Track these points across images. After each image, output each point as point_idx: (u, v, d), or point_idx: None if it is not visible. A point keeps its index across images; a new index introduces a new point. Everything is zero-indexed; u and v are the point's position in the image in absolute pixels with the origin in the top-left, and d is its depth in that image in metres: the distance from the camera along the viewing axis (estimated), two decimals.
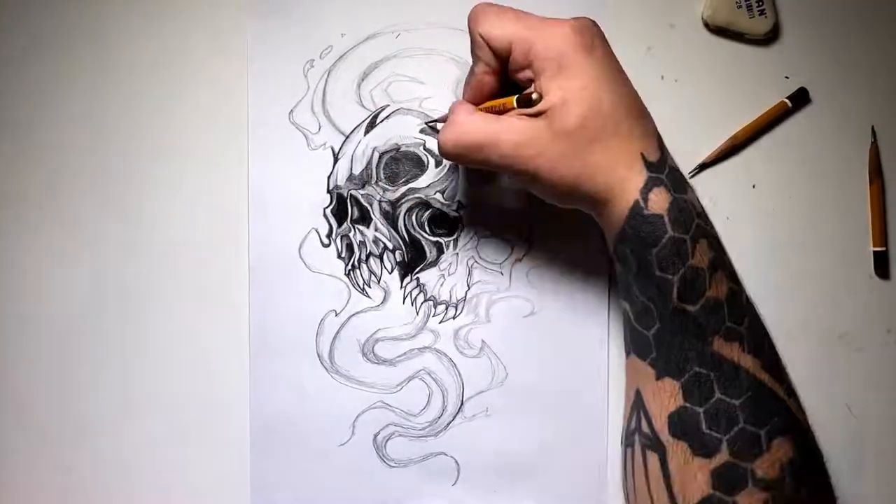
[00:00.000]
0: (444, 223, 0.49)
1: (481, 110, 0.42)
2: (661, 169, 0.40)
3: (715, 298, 0.39)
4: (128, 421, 0.49)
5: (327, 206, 0.49)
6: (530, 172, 0.40)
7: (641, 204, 0.39)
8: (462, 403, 0.49)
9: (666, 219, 0.39)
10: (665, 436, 0.40)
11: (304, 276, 0.49)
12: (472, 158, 0.41)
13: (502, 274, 0.49)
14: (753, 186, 0.49)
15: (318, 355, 0.49)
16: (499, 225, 0.49)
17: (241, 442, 0.49)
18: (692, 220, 0.39)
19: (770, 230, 0.49)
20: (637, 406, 0.42)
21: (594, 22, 0.40)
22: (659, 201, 0.39)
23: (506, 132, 0.39)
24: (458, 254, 0.49)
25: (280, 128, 0.48)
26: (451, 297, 0.49)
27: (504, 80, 0.42)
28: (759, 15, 0.48)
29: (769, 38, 0.49)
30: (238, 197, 0.49)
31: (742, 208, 0.49)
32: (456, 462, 0.49)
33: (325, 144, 0.49)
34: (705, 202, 0.48)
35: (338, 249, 0.49)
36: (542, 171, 0.39)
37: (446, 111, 0.48)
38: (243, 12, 0.48)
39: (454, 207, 0.49)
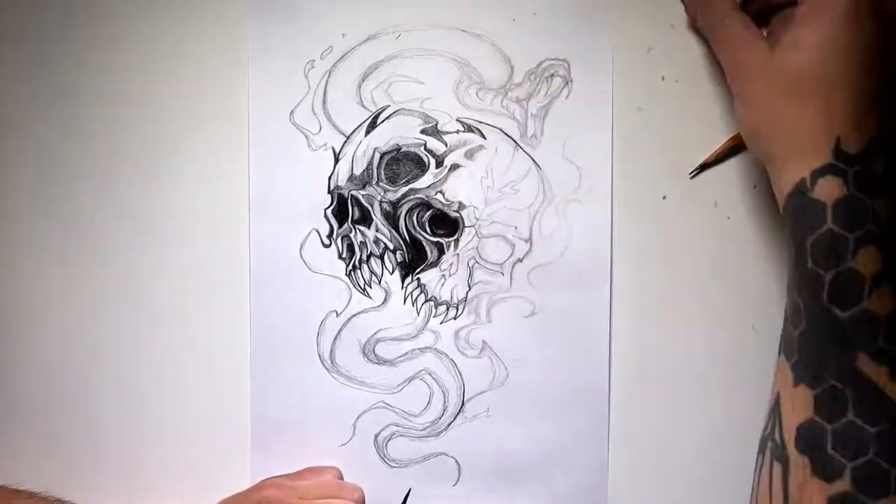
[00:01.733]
0: (444, 223, 0.49)
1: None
2: (853, 163, 0.35)
3: (872, 312, 0.35)
4: (128, 420, 0.49)
5: (328, 207, 0.49)
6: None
7: (808, 184, 0.35)
8: (463, 404, 0.49)
9: (829, 209, 0.35)
10: (791, 448, 0.37)
11: (304, 276, 0.49)
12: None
13: (503, 274, 0.49)
14: (754, 187, 0.49)
15: (319, 355, 0.49)
16: (500, 225, 0.49)
17: (241, 442, 0.49)
18: (865, 223, 0.35)
19: (771, 231, 0.49)
20: (774, 411, 0.39)
21: None
22: (829, 190, 0.35)
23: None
24: (458, 254, 0.49)
25: (281, 128, 0.48)
26: (451, 297, 0.49)
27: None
28: None
29: None
30: (239, 198, 0.49)
31: (743, 209, 0.49)
32: (457, 462, 0.49)
33: (325, 145, 0.49)
34: (706, 203, 0.49)
35: (339, 250, 0.49)
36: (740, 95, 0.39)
37: (444, 111, 0.48)
38: (243, 13, 0.48)
39: (455, 208, 0.48)
